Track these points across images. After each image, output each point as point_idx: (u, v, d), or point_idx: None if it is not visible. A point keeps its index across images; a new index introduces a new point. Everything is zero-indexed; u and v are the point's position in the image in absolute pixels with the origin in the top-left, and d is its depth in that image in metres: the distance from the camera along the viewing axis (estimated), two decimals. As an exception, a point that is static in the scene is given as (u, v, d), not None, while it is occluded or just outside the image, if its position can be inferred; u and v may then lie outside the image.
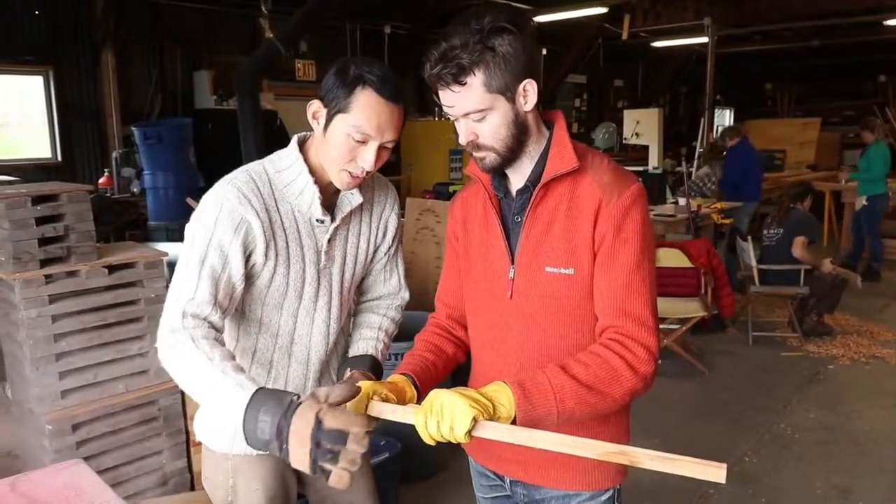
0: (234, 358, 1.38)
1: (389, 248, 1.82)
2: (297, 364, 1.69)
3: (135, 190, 7.18)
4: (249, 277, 1.56)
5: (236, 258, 1.50)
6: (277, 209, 1.56)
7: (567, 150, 1.40)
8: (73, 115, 7.59)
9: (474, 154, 1.41)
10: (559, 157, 1.39)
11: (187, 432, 3.03)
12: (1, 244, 2.68)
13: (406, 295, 1.90)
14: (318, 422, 1.14)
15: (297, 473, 1.80)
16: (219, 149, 7.83)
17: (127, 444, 2.87)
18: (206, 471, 1.79)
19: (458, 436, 1.16)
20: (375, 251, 1.79)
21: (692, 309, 4.97)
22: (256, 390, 1.24)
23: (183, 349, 1.37)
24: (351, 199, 1.65)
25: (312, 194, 1.57)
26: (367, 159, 1.50)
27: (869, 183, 7.71)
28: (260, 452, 1.61)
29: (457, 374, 1.73)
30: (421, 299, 4.53)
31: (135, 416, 2.88)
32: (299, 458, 1.16)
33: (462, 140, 1.38)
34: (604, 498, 1.52)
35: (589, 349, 1.34)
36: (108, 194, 7.20)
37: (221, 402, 1.27)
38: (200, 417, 1.77)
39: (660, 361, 4.84)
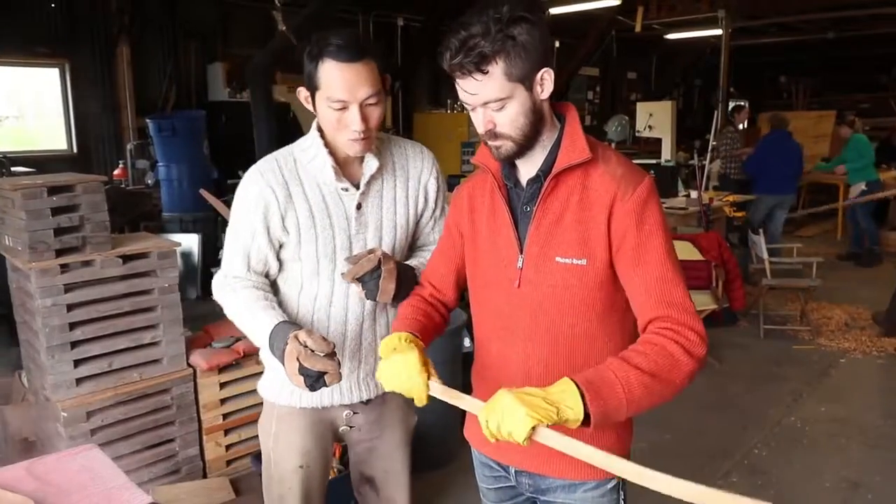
0: (265, 298, 1.70)
1: (434, 210, 1.91)
2: (335, 324, 1.81)
3: (149, 181, 7.24)
4: (281, 246, 1.76)
5: (260, 231, 1.72)
6: (301, 183, 1.73)
7: (580, 141, 1.41)
8: (88, 107, 7.64)
9: (490, 143, 1.41)
10: (572, 148, 1.40)
11: (200, 420, 3.07)
12: (17, 234, 2.72)
13: None
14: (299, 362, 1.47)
15: (336, 435, 1.94)
16: (232, 141, 7.86)
17: (140, 432, 2.92)
18: (261, 418, 1.98)
19: (517, 441, 1.18)
20: (420, 216, 1.88)
21: (703, 302, 4.95)
22: (273, 328, 1.59)
23: (227, 297, 1.75)
24: (371, 165, 1.76)
25: (331, 166, 1.71)
26: (354, 121, 1.62)
27: (862, 171, 8.13)
28: (304, 405, 1.86)
29: (466, 364, 1.74)
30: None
31: (148, 405, 2.92)
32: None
33: (480, 129, 1.40)
34: (609, 486, 1.52)
35: (642, 339, 1.34)
36: (123, 186, 7.26)
37: (255, 334, 1.66)
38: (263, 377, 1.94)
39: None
